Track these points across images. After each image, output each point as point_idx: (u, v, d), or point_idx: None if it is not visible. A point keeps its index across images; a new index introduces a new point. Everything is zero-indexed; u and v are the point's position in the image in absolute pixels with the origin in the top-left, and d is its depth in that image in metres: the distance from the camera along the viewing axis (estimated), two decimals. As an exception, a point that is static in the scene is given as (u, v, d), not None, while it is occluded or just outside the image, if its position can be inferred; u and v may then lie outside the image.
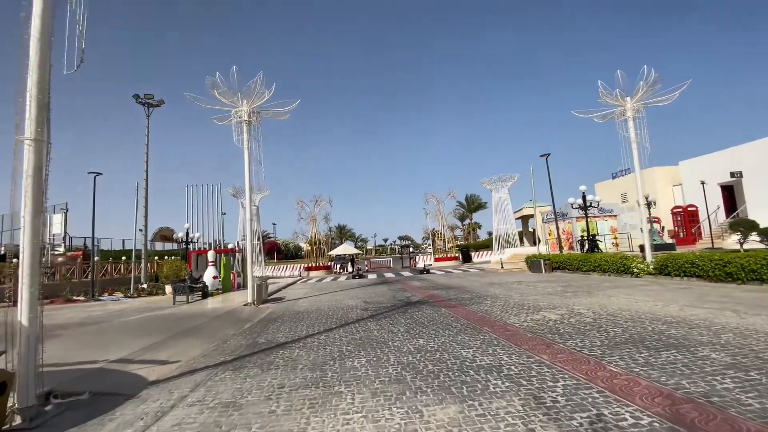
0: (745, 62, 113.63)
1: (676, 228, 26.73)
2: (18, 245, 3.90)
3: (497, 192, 36.28)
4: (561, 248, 24.33)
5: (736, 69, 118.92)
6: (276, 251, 59.38)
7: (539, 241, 28.00)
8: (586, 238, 20.95)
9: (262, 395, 3.94)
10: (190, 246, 23.34)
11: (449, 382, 3.96)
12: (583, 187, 20.69)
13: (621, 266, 13.83)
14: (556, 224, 24.88)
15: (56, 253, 28.40)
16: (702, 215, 24.95)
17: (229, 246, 27.02)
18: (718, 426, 2.70)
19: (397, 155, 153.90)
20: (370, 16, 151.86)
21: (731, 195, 25.38)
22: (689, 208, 25.98)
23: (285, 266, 37.00)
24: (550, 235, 28.77)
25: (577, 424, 2.84)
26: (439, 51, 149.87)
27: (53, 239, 29.35)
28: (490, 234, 48.18)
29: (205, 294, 15.11)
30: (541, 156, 23.66)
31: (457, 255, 34.82)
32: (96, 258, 20.79)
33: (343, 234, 78.94)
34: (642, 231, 15.27)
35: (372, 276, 24.68)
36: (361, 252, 59.19)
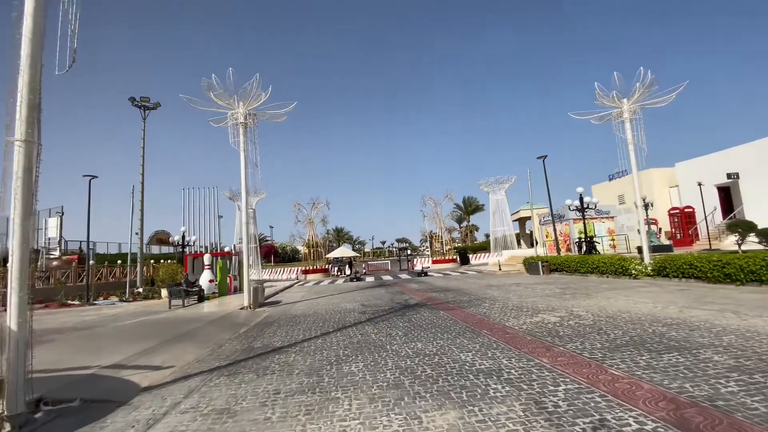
0: (744, 62, 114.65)
1: (673, 229, 26.79)
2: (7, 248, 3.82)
3: (494, 194, 36.27)
4: (558, 250, 24.32)
5: (734, 69, 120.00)
6: (273, 254, 59.17)
7: (536, 243, 27.99)
8: (583, 239, 20.94)
9: (257, 401, 3.85)
10: (187, 249, 23.20)
11: (448, 386, 3.88)
12: (580, 189, 20.70)
13: (619, 268, 13.80)
14: (554, 226, 24.88)
15: (51, 257, 28.20)
16: (699, 216, 25.02)
17: (226, 249, 26.88)
18: (724, 431, 2.64)
19: (395, 157, 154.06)
20: (369, 16, 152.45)
21: (728, 196, 25.49)
22: (686, 210, 26.05)
23: (282, 269, 36.83)
24: (547, 237, 28.77)
25: (580, 430, 2.77)
26: (438, 52, 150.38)
27: (49, 243, 29.15)
28: (487, 236, 48.19)
29: (201, 298, 14.97)
30: (538, 158, 23.69)
31: (454, 257, 34.77)
32: (91, 262, 20.60)
33: (340, 237, 78.79)
34: (639, 232, 15.27)
35: (370, 279, 24.58)
36: (358, 255, 59.12)
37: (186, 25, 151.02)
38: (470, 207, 64.19)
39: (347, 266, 30.09)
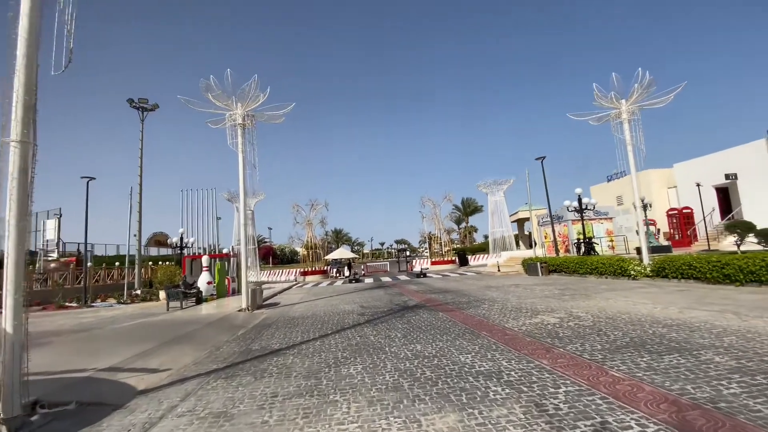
0: (743, 62, 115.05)
1: (672, 230, 26.81)
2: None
3: (493, 195, 36.27)
4: (557, 251, 24.31)
5: (733, 69, 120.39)
6: (272, 256, 59.10)
7: (535, 244, 27.99)
8: (582, 240, 20.93)
9: (255, 404, 3.81)
10: (185, 251, 23.11)
11: (448, 389, 3.85)
12: (578, 190, 20.70)
13: (618, 269, 13.79)
14: (552, 227, 24.88)
15: (49, 259, 28.07)
16: (697, 217, 25.05)
17: (224, 251, 26.82)
18: (727, 434, 2.61)
19: (394, 158, 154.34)
20: (368, 16, 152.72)
21: (726, 197, 25.54)
22: (684, 211, 26.07)
23: (281, 271, 36.74)
24: (546, 238, 28.78)
25: (582, 433, 2.74)
26: (437, 52, 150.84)
27: (46, 245, 29.01)
28: (486, 237, 48.23)
29: (200, 300, 14.90)
30: (537, 159, 23.73)
31: (453, 258, 34.74)
32: (89, 264, 20.50)
33: (339, 238, 78.72)
34: (638, 233, 15.27)
35: (369, 280, 24.53)
36: (357, 256, 59.06)
37: (186, 26, 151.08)
38: (469, 208, 64.22)
39: (346, 268, 30.04)
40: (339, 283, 24.46)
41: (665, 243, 23.25)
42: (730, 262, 9.94)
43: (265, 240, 65.82)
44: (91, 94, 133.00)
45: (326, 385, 4.25)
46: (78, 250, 30.02)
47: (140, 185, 21.53)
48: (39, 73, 4.04)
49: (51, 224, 28.58)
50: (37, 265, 25.01)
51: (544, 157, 23.41)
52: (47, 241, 28.73)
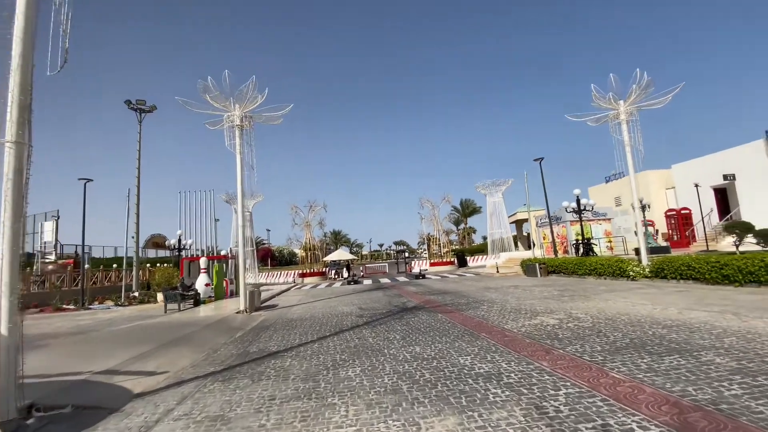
0: (742, 63, 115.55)
1: (670, 231, 26.86)
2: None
3: (491, 196, 36.28)
4: (556, 252, 24.32)
5: (731, 70, 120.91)
6: (270, 258, 58.98)
7: (534, 245, 28.00)
8: (581, 241, 20.94)
9: (252, 408, 3.77)
10: (183, 253, 23.03)
11: (447, 391, 3.81)
12: (577, 191, 20.73)
13: (617, 269, 13.78)
14: (551, 228, 24.89)
15: (47, 261, 27.95)
16: (696, 218, 25.09)
17: (222, 252, 26.74)
18: (729, 436, 2.58)
19: (392, 160, 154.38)
20: (367, 17, 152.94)
21: (724, 198, 25.61)
22: (683, 211, 26.13)
23: (279, 273, 36.66)
24: (544, 239, 28.80)
25: (583, 436, 2.71)
26: (436, 53, 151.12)
27: (44, 247, 28.92)
28: (485, 238, 48.20)
29: (197, 302, 14.83)
30: (535, 160, 23.73)
31: (452, 260, 34.70)
32: (87, 266, 20.42)
33: (338, 239, 78.66)
34: (636, 234, 15.27)
35: (367, 282, 24.48)
36: (356, 257, 59.00)
37: (185, 26, 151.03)
38: (467, 209, 64.28)
39: (345, 269, 29.99)
40: (337, 284, 24.41)
41: (664, 244, 23.29)
42: (729, 262, 9.93)
43: (264, 242, 65.73)
44: (89, 95, 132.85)
45: (324, 388, 4.21)
46: (75, 252, 29.90)
47: (138, 187, 21.47)
48: (35, 74, 4.01)
49: (48, 226, 28.53)
50: (35, 267, 24.91)
51: (542, 159, 23.44)
52: (45, 243, 28.67)
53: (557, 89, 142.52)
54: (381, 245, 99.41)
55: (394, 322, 8.36)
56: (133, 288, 20.69)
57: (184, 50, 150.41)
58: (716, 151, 25.51)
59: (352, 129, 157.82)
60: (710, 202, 25.31)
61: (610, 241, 25.81)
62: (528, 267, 18.87)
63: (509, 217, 38.53)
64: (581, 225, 21.19)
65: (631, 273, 13.11)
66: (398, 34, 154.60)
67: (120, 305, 17.02)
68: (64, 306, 16.57)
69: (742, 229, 16.92)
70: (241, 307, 11.73)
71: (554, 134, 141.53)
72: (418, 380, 4.23)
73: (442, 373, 4.43)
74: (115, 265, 26.53)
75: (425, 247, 40.83)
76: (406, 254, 42.75)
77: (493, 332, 6.47)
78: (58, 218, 28.59)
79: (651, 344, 4.96)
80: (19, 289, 3.80)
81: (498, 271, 22.95)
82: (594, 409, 3.14)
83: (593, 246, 21.27)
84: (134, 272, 21.39)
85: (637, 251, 14.76)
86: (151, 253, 38.58)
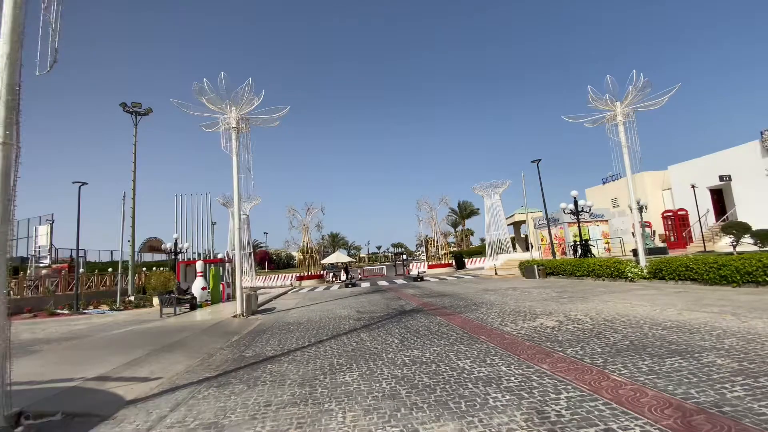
0: (741, 63, 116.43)
1: (667, 232, 26.91)
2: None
3: (489, 198, 36.31)
4: (554, 254, 24.31)
5: (730, 70, 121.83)
6: (267, 261, 58.76)
7: (532, 246, 27.99)
8: (579, 243, 20.93)
9: (247, 414, 3.68)
10: (179, 256, 22.86)
11: (446, 396, 3.74)
12: (574, 192, 20.72)
13: (615, 271, 13.76)
14: (549, 229, 24.89)
15: (41, 265, 27.70)
16: (692, 219, 25.17)
17: (219, 256, 26.59)
18: (735, 440, 2.53)
19: (390, 161, 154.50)
20: (367, 19, 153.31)
21: (720, 198, 25.70)
22: (679, 212, 26.21)
23: (276, 276, 36.51)
24: (542, 240, 28.80)
25: (585, 441, 2.65)
26: (434, 55, 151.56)
27: (38, 251, 28.65)
28: (483, 240, 48.19)
29: (194, 306, 14.69)
30: (532, 162, 23.76)
31: (450, 262, 34.65)
32: (81, 270, 20.23)
33: (335, 242, 78.54)
34: (634, 235, 15.27)
35: (365, 284, 24.38)
36: (354, 260, 58.86)
37: (184, 25, 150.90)
38: (465, 211, 64.34)
39: (343, 272, 29.88)
40: (335, 287, 24.29)
41: (661, 245, 23.32)
42: (727, 263, 9.92)
43: (261, 245, 65.52)
44: (84, 97, 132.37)
45: (321, 393, 4.13)
46: (71, 256, 29.65)
47: (134, 190, 21.33)
48: (24, 74, 3.92)
49: (43, 230, 28.27)
50: (29, 272, 24.67)
51: (539, 160, 23.47)
52: (39, 247, 28.39)
53: (557, 90, 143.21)
54: (379, 248, 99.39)
55: (392, 325, 8.28)
56: (129, 292, 20.51)
57: (182, 51, 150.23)
58: (712, 152, 25.64)
59: (350, 131, 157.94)
60: (706, 202, 25.39)
61: (607, 243, 25.83)
62: (526, 269, 18.84)
63: (507, 218, 38.57)
64: (579, 226, 21.19)
65: (629, 274, 13.09)
66: (396, 38, 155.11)
67: (115, 310, 16.84)
68: (58, 311, 16.40)
69: (739, 229, 16.96)
70: (238, 311, 11.61)
71: (553, 135, 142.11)
72: (416, 385, 4.16)
73: (441, 377, 4.36)
74: (110, 269, 26.32)
75: (423, 249, 40.78)
76: (404, 257, 42.65)
77: (493, 335, 6.40)
78: (53, 222, 28.33)
79: (651, 346, 4.91)
80: (5, 293, 3.70)
81: (496, 273, 22.91)
82: (596, 413, 3.08)
83: (591, 247, 21.26)
84: (130, 276, 21.22)
85: (635, 252, 14.76)
86: (148, 257, 38.35)
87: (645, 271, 12.65)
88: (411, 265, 35.22)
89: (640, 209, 19.93)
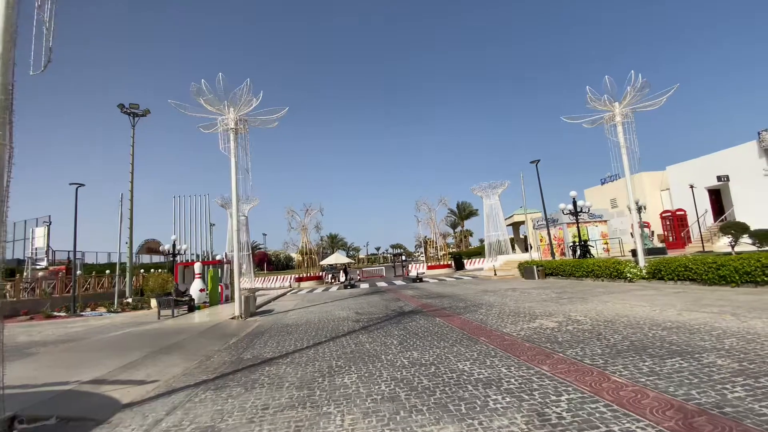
0: (740, 63, 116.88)
1: (666, 232, 26.96)
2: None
3: (488, 199, 36.35)
4: (553, 254, 24.31)
5: (728, 70, 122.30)
6: (266, 262, 58.66)
7: (531, 247, 28.00)
8: (578, 243, 20.93)
9: (244, 418, 3.64)
10: (177, 258, 22.79)
11: (446, 398, 3.70)
12: (573, 193, 20.73)
13: (614, 271, 13.75)
14: (548, 230, 24.90)
15: (38, 267, 27.59)
16: (690, 219, 25.21)
17: (218, 257, 26.51)
18: (738, 442, 2.50)
19: (389, 162, 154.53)
20: (365, 20, 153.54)
21: (718, 199, 25.75)
22: (678, 213, 26.25)
23: (275, 277, 36.44)
24: (541, 241, 28.81)
25: (587, 444, 2.61)
26: (433, 56, 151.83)
27: (35, 253, 28.53)
28: (482, 241, 48.22)
29: (192, 307, 14.63)
30: (531, 162, 23.75)
31: (449, 263, 34.64)
32: (78, 272, 20.14)
33: (334, 243, 78.48)
34: (632, 236, 15.27)
35: (364, 285, 24.33)
36: (353, 261, 58.75)
37: (183, 25, 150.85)
38: (464, 212, 64.39)
39: (342, 273, 29.82)
40: (334, 288, 24.24)
41: (660, 245, 23.35)
42: (726, 263, 9.91)
43: (260, 246, 65.42)
44: (85, 97, 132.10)
45: (319, 396, 4.09)
46: (68, 257, 29.54)
47: (131, 191, 21.28)
48: (18, 74, 3.88)
49: (40, 232, 28.16)
50: (25, 274, 24.56)
51: (538, 161, 23.47)
52: (36, 249, 28.29)
53: (557, 90, 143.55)
54: (378, 249, 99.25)
55: (391, 326, 8.24)
56: (127, 294, 20.44)
57: (181, 51, 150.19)
58: (710, 153, 25.70)
59: (349, 132, 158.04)
60: (705, 203, 25.44)
61: (606, 243, 25.86)
62: (525, 269, 18.82)
63: (506, 219, 38.61)
64: (578, 227, 21.20)
65: (628, 274, 13.08)
66: (396, 38, 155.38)
67: (113, 312, 16.78)
68: (55, 313, 16.32)
69: (738, 229, 16.98)
70: (236, 313, 11.56)
71: (552, 135, 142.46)
72: (416, 387, 4.12)
73: (440, 379, 4.32)
74: (108, 271, 26.22)
75: (422, 250, 40.76)
76: (403, 257, 42.62)
77: (492, 336, 6.37)
78: (50, 224, 28.23)
79: (652, 347, 4.88)
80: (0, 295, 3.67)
81: (495, 274, 22.88)
82: (597, 415, 3.05)
83: (590, 248, 21.26)
84: (128, 278, 21.15)
85: (634, 253, 14.76)
86: (146, 259, 38.21)
87: (644, 271, 12.64)
88: (410, 266, 35.17)
89: (639, 210, 19.94)
